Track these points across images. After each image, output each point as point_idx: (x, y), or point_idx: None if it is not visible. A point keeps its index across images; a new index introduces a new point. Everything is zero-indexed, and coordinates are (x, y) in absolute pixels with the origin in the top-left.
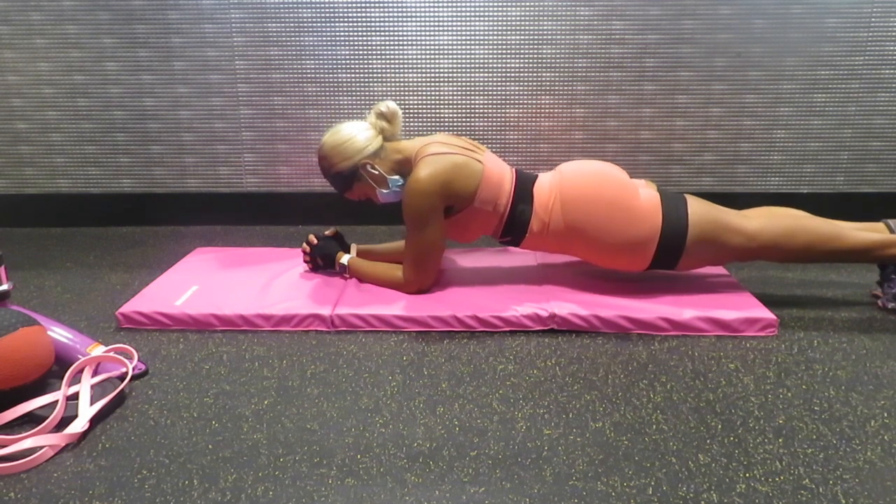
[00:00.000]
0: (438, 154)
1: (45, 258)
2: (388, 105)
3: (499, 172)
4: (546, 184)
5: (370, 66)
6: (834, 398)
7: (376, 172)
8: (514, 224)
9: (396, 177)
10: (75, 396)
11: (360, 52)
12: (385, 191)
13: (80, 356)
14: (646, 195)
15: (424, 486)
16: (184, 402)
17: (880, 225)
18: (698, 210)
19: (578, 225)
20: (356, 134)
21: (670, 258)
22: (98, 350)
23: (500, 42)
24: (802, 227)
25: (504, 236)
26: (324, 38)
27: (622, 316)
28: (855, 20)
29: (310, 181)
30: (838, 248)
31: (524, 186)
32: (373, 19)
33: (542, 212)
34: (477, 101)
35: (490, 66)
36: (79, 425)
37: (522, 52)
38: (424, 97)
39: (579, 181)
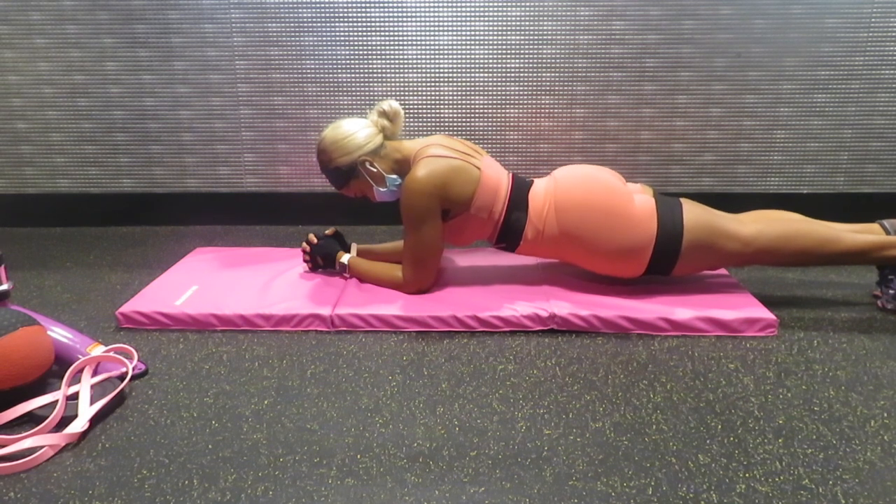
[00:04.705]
0: (437, 156)
1: (45, 258)
2: (391, 104)
3: (496, 179)
4: (541, 190)
5: (370, 66)
6: (834, 398)
7: (375, 170)
8: (509, 231)
9: (395, 176)
10: (75, 396)
11: (360, 52)
12: (382, 189)
13: (80, 356)
14: (641, 201)
15: (424, 486)
16: (184, 402)
17: (876, 226)
18: (694, 216)
19: (573, 232)
20: (357, 130)
21: (666, 264)
22: (98, 350)
23: (500, 42)
24: (798, 231)
25: (499, 242)
26: (324, 38)
27: (622, 316)
28: (855, 20)
29: (310, 181)
30: (834, 252)
31: (520, 193)
32: (373, 19)
33: (537, 219)
34: (477, 101)
35: (490, 66)
36: (79, 425)
37: (522, 52)
38: (424, 97)
39: (573, 188)
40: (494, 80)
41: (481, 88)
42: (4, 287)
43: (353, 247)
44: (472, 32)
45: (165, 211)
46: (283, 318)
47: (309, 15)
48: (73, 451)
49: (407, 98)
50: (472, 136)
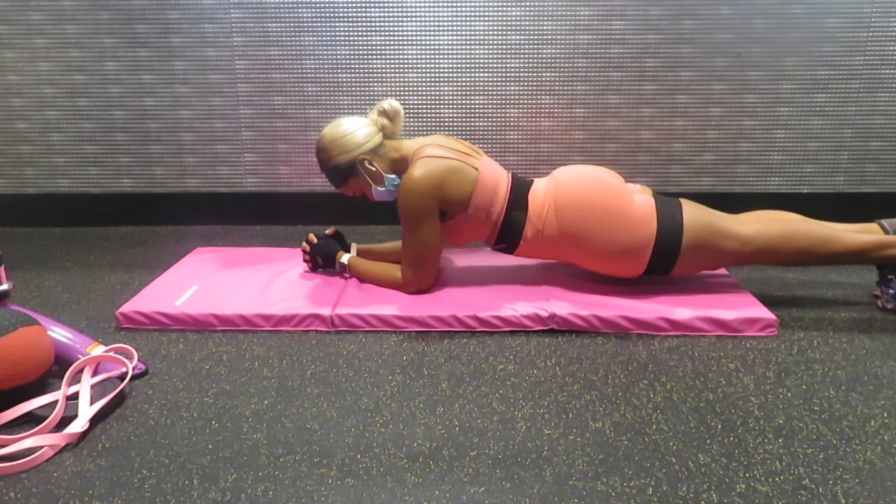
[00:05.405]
0: (434, 157)
1: (45, 258)
2: (391, 103)
3: (494, 179)
4: (541, 190)
5: (370, 66)
6: (834, 398)
7: (373, 169)
8: (509, 231)
9: (393, 175)
10: (75, 396)
11: (360, 52)
12: (381, 188)
13: (80, 356)
14: (640, 201)
15: (424, 486)
16: (184, 402)
17: (874, 226)
18: (693, 215)
19: (573, 231)
20: (357, 129)
21: (665, 264)
22: (98, 350)
23: (500, 42)
24: (797, 231)
25: (498, 243)
26: (324, 38)
27: (622, 316)
28: (855, 20)
29: (310, 181)
30: (833, 252)
31: (520, 193)
32: (373, 19)
33: (537, 219)
34: (477, 101)
35: (490, 66)
36: (79, 425)
37: (522, 52)
38: (424, 97)
39: (573, 187)
40: (494, 80)
41: (481, 88)
42: (4, 287)
43: (353, 247)
44: (472, 32)
45: (165, 211)
46: (283, 318)
47: (309, 15)
48: (73, 451)
49: (407, 98)
50: (472, 136)
